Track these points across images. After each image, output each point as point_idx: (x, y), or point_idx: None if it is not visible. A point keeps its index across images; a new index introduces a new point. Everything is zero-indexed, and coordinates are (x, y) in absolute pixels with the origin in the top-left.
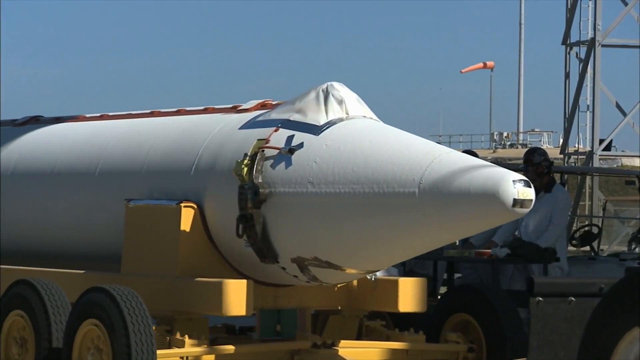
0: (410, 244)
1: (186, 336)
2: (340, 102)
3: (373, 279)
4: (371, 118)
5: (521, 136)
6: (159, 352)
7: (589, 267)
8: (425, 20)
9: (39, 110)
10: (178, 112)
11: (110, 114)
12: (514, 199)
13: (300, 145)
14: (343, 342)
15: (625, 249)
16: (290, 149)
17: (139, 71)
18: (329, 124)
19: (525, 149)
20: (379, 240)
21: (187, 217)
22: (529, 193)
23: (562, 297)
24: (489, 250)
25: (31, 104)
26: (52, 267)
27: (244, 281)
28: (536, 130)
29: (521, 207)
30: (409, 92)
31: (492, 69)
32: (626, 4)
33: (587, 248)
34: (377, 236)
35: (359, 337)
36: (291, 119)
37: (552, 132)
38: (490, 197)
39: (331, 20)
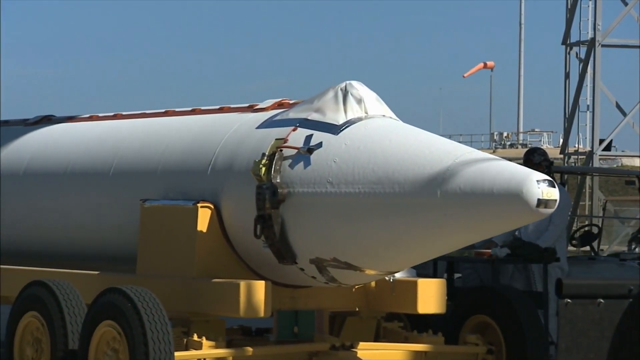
0: (431, 245)
1: (203, 338)
2: (359, 101)
3: (391, 280)
4: (390, 117)
5: (521, 136)
6: (176, 354)
7: (589, 267)
8: (426, 20)
9: (39, 110)
10: (193, 112)
11: (124, 113)
12: (538, 199)
13: (319, 144)
14: (362, 344)
15: (625, 249)
16: (309, 149)
17: (139, 71)
18: (348, 123)
19: (525, 149)
20: (399, 241)
21: (204, 217)
22: (553, 193)
23: (590, 298)
24: (489, 250)
25: (31, 104)
26: (66, 268)
27: (262, 282)
28: (536, 130)
29: (545, 207)
30: (409, 92)
31: (492, 69)
32: (626, 4)
33: (587, 248)
34: (397, 237)
35: (376, 339)
36: (309, 118)
37: (552, 132)
38: (514, 197)
39: (331, 21)
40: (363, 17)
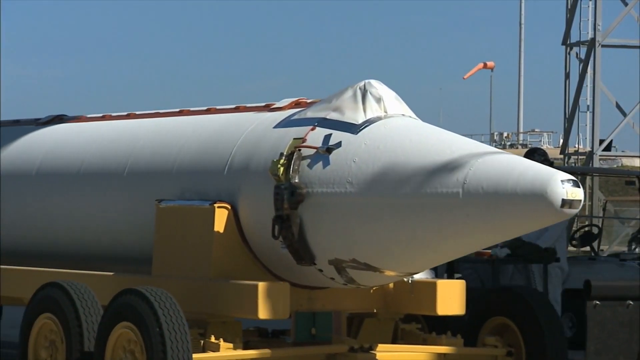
0: (453, 246)
1: (221, 340)
2: (379, 100)
3: (410, 281)
4: (410, 116)
5: (521, 136)
6: (194, 356)
7: (589, 268)
8: (426, 20)
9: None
10: (208, 111)
11: (137, 112)
12: (563, 200)
13: (338, 144)
14: (380, 346)
15: (625, 249)
16: (327, 148)
17: (139, 71)
18: (368, 122)
19: (526, 149)
20: (420, 242)
21: (220, 217)
22: (578, 193)
23: (619, 300)
24: (489, 251)
25: (31, 104)
26: (78, 269)
27: (281, 283)
28: (536, 130)
29: (570, 207)
30: (409, 92)
31: (492, 69)
32: (626, 4)
33: (587, 248)
34: (418, 238)
35: (394, 341)
36: (328, 117)
37: (552, 132)
38: (538, 197)
39: (331, 21)
40: (363, 17)
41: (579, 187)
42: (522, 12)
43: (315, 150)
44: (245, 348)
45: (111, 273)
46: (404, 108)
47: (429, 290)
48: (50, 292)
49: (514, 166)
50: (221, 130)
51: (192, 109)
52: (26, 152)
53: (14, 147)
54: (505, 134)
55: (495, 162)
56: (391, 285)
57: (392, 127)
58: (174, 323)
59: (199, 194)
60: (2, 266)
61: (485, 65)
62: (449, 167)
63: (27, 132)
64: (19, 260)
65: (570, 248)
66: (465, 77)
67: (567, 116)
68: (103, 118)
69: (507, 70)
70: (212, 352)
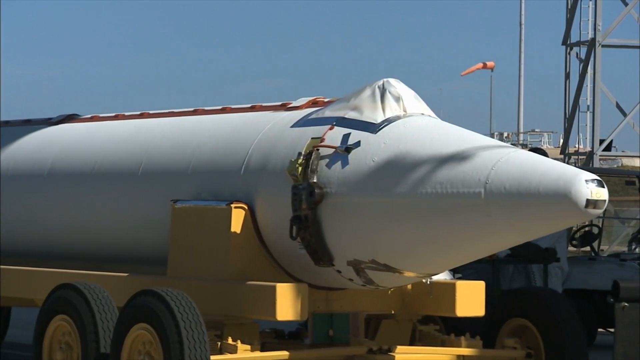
0: (474, 247)
1: (238, 341)
2: (398, 99)
3: (428, 282)
4: (429, 115)
5: (521, 136)
6: (212, 358)
7: (589, 268)
8: (425, 20)
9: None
10: (223, 110)
11: (151, 112)
12: (587, 200)
13: (357, 143)
14: (399, 348)
15: (625, 249)
16: (346, 148)
17: (139, 71)
18: (387, 121)
19: (526, 149)
20: (441, 242)
21: (237, 218)
22: (603, 193)
23: None
24: None
25: (31, 104)
26: (92, 270)
27: (298, 285)
28: (536, 130)
29: (594, 207)
30: None
31: (492, 69)
32: (626, 4)
33: (587, 248)
34: (439, 238)
35: (411, 342)
36: (346, 116)
37: (552, 132)
38: (561, 197)
39: (331, 21)
40: (362, 17)
41: (604, 186)
42: (522, 12)
43: (333, 149)
44: (262, 350)
45: (125, 274)
46: (423, 107)
47: (448, 291)
48: (64, 294)
49: (537, 165)
50: (237, 129)
51: (206, 108)
52: (38, 152)
53: (26, 146)
54: (505, 134)
55: (518, 161)
56: (409, 286)
57: (412, 126)
58: (191, 325)
59: (215, 194)
60: (13, 267)
61: (485, 65)
62: (471, 167)
63: (39, 131)
64: (30, 261)
65: (571, 248)
66: (462, 74)
67: (567, 116)
68: (116, 117)
69: (507, 70)
70: (229, 354)
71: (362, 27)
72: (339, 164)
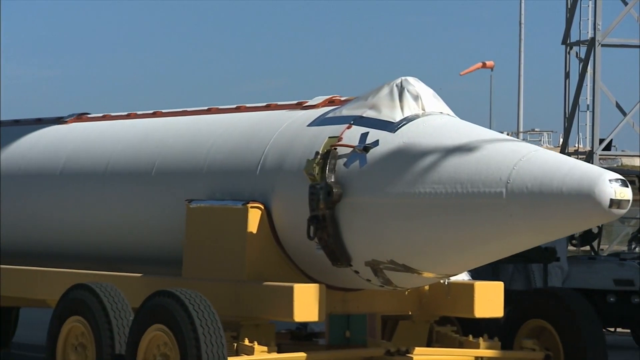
0: (495, 247)
1: (255, 343)
2: (416, 97)
3: (446, 283)
4: (448, 114)
5: (521, 136)
6: (229, 359)
7: (589, 267)
8: (425, 20)
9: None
10: (237, 109)
11: (164, 111)
12: (611, 199)
13: (376, 142)
14: (417, 349)
15: (625, 248)
16: (365, 147)
17: (139, 71)
18: (405, 120)
19: None
20: (461, 243)
21: (254, 218)
22: (627, 193)
23: None
24: None
25: (31, 104)
26: (104, 270)
27: (316, 285)
28: (536, 130)
29: (618, 207)
30: None
31: (492, 68)
32: (626, 4)
33: (587, 248)
34: (459, 239)
35: (428, 344)
36: (364, 115)
37: (552, 131)
38: (585, 197)
39: (331, 21)
40: (363, 17)
41: (628, 186)
42: (522, 11)
43: (351, 149)
44: (279, 351)
45: (140, 274)
46: (442, 105)
47: (467, 292)
48: (78, 294)
49: (560, 165)
50: (252, 128)
51: (220, 107)
52: (49, 152)
53: (38, 145)
54: (505, 134)
55: (540, 160)
56: (426, 286)
57: (431, 125)
58: (208, 326)
59: (230, 194)
60: (25, 267)
61: (484, 65)
62: (492, 166)
63: (50, 130)
64: (41, 261)
65: (570, 248)
66: (462, 73)
67: (567, 116)
68: (128, 116)
69: (507, 69)
70: (246, 356)
71: (361, 26)
72: (357, 163)
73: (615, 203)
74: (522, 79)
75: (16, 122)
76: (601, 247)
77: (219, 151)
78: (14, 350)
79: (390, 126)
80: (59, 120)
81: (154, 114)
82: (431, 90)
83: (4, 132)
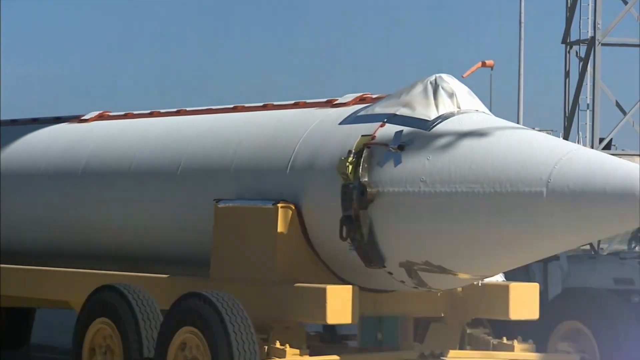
0: (534, 248)
1: (287, 345)
2: (451, 95)
3: (480, 284)
4: (484, 112)
5: None
6: None
7: (589, 266)
8: (425, 19)
9: (40, 111)
10: (264, 107)
11: (188, 109)
12: None
13: (410, 141)
14: (452, 352)
15: (625, 247)
16: (399, 146)
17: (139, 71)
18: (440, 118)
19: None
20: (499, 243)
21: (284, 218)
22: None
23: None
24: None
25: (31, 104)
26: (128, 271)
27: (349, 287)
28: (536, 129)
29: None
30: None
31: (491, 67)
32: (626, 3)
33: (587, 247)
34: (497, 239)
35: (461, 346)
36: (398, 113)
37: (552, 130)
38: (629, 197)
39: (331, 20)
40: (362, 16)
41: None
42: (522, 10)
43: (385, 147)
44: (310, 354)
45: (166, 275)
46: (478, 103)
47: (501, 293)
48: (105, 296)
49: (602, 164)
50: (281, 126)
51: (246, 104)
52: (70, 151)
53: (58, 145)
54: None
55: (582, 159)
56: (459, 288)
57: (467, 123)
58: (241, 330)
59: (259, 194)
60: (47, 268)
61: (484, 64)
62: (532, 165)
63: (71, 129)
64: (63, 262)
65: None
66: (464, 75)
67: (566, 115)
68: (150, 115)
69: (507, 68)
70: (277, 359)
71: (361, 26)
72: (391, 162)
73: None
74: (522, 78)
75: (34, 121)
76: (601, 246)
77: (247, 150)
78: (32, 352)
79: (425, 124)
80: (80, 119)
81: (178, 112)
82: (466, 88)
83: (22, 131)
